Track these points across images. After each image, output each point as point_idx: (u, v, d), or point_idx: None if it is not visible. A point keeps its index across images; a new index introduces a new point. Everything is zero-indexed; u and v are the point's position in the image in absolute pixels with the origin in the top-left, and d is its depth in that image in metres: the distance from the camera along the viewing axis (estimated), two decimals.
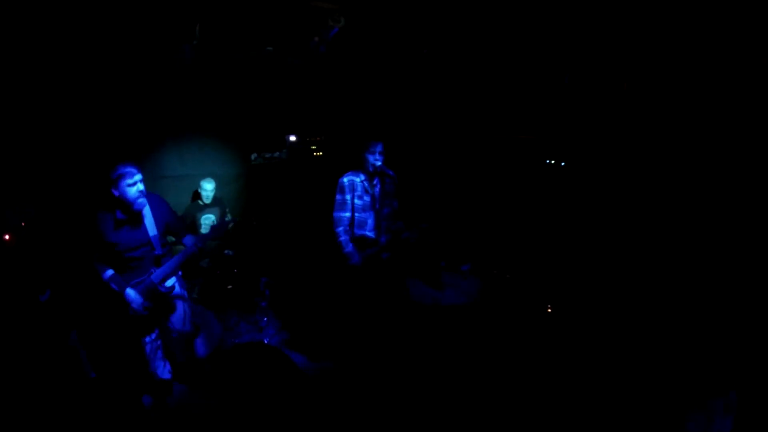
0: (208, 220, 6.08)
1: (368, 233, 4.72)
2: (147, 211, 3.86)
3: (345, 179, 4.70)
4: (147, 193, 3.82)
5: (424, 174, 7.22)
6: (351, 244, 4.65)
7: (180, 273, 4.26)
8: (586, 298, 5.62)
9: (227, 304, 5.86)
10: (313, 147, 7.77)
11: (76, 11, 4.70)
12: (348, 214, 4.68)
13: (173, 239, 4.38)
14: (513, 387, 4.38)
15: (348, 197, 4.67)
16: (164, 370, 4.21)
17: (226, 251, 5.98)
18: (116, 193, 3.67)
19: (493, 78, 6.72)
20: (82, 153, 5.55)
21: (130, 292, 3.80)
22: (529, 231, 6.85)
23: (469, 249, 6.96)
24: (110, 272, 3.81)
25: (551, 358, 4.81)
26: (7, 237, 4.61)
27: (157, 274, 3.92)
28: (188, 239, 4.06)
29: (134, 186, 3.67)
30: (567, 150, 6.82)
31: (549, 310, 5.67)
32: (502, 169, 7.37)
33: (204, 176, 6.11)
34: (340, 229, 4.68)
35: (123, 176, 3.64)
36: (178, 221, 4.16)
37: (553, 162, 6.95)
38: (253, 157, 7.33)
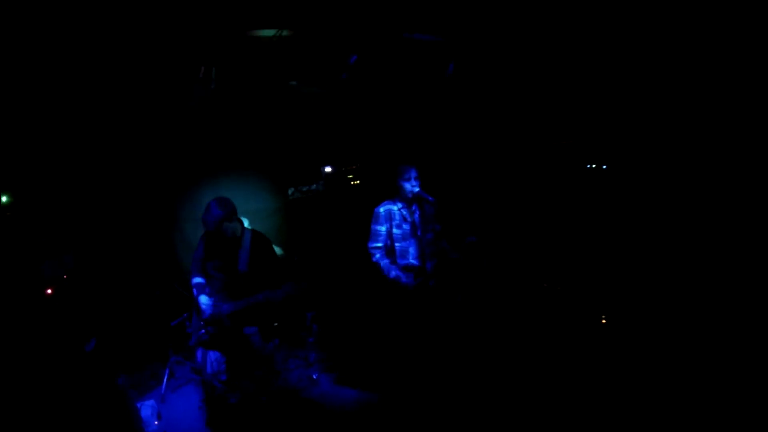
0: None
1: (412, 261, 4.56)
2: (246, 246, 4.20)
3: (381, 209, 4.57)
4: (255, 232, 4.33)
5: (463, 190, 7.07)
6: (394, 268, 4.50)
7: (256, 329, 4.42)
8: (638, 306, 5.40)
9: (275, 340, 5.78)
10: (350, 176, 7.72)
11: (114, 65, 4.85)
12: (381, 245, 4.55)
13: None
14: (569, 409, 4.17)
15: (384, 228, 4.53)
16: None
17: None
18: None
19: (524, 83, 6.58)
20: (118, 200, 5.66)
21: (203, 297, 4.14)
22: (574, 239, 6.60)
23: (516, 262, 6.74)
24: (200, 279, 4.24)
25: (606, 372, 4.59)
26: (49, 291, 4.69)
27: (227, 306, 4.12)
28: (287, 287, 4.19)
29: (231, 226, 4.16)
30: (608, 153, 6.59)
31: (603, 321, 5.41)
32: (543, 177, 7.16)
33: (240, 214, 6.12)
34: (377, 256, 4.54)
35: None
36: (275, 270, 4.36)
37: (594, 166, 6.71)
38: (290, 191, 7.32)
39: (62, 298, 4.83)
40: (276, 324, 5.83)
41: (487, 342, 5.44)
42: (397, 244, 4.53)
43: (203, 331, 4.16)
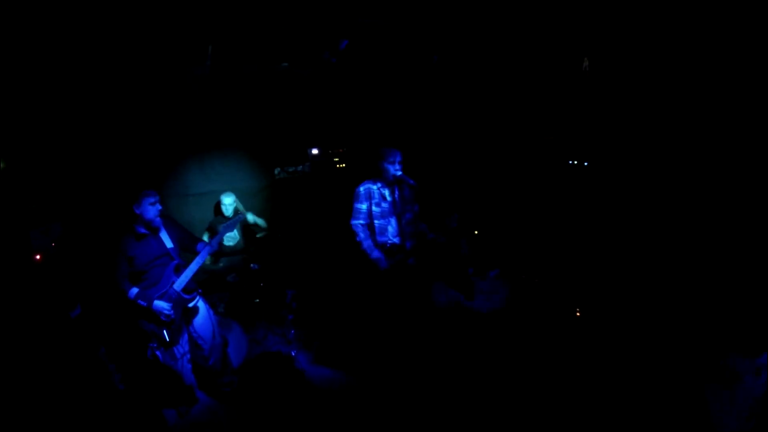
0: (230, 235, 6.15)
1: (393, 239, 4.70)
2: (162, 229, 4.31)
3: (361, 188, 4.72)
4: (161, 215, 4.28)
5: (447, 180, 7.19)
6: (377, 250, 4.64)
7: (201, 290, 4.54)
8: (612, 299, 5.53)
9: (255, 317, 5.88)
10: (336, 159, 7.80)
11: (104, 41, 4.87)
12: (364, 222, 4.69)
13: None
14: (540, 394, 4.31)
15: (364, 206, 4.68)
16: (190, 380, 4.45)
17: (252, 265, 6.01)
18: (137, 210, 4.13)
19: (510, 79, 6.69)
20: (107, 172, 5.69)
21: (158, 303, 4.11)
22: (555, 233, 6.75)
23: (497, 254, 6.89)
24: (135, 290, 4.13)
25: (578, 361, 4.73)
26: (37, 257, 4.77)
27: (178, 282, 4.24)
28: (200, 246, 4.46)
29: (154, 206, 4.15)
30: (590, 150, 6.73)
31: (578, 314, 5.58)
32: (525, 172, 7.30)
33: (227, 191, 6.18)
34: (361, 236, 4.68)
35: (146, 195, 4.12)
36: (190, 236, 4.57)
37: (575, 162, 6.86)
38: (276, 171, 7.38)
39: (50, 266, 4.89)
40: (257, 300, 5.95)
41: (465, 329, 5.58)
42: (376, 222, 4.68)
43: (165, 331, 4.23)
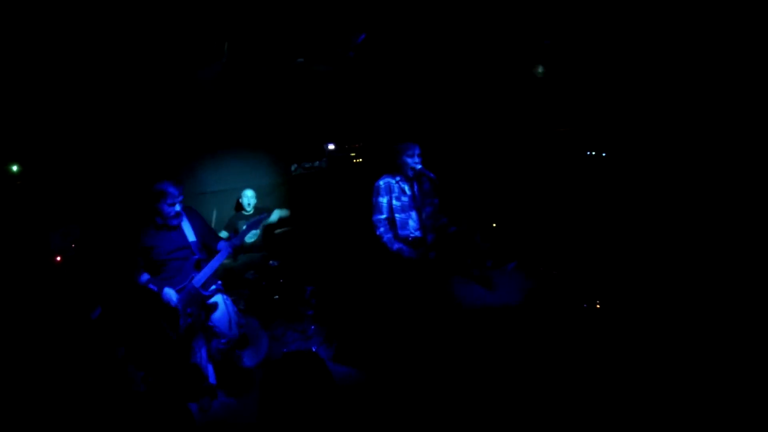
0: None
1: (414, 233, 4.68)
2: (185, 220, 4.22)
3: (381, 182, 4.70)
4: (185, 207, 4.18)
5: (464, 172, 7.13)
6: (397, 242, 4.62)
7: (220, 282, 4.50)
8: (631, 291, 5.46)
9: (274, 314, 5.88)
10: (353, 154, 7.77)
11: (120, 42, 4.89)
12: (385, 216, 4.67)
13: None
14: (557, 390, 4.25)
15: (385, 199, 4.66)
16: (210, 374, 4.44)
17: (271, 262, 6.02)
18: (156, 205, 4.03)
19: (528, 71, 6.62)
20: (124, 172, 5.72)
21: (168, 290, 4.06)
22: (573, 225, 6.67)
23: (514, 247, 6.82)
24: (146, 276, 4.12)
25: (596, 357, 4.66)
26: (58, 258, 4.81)
27: (198, 278, 4.17)
28: (222, 244, 4.33)
29: (173, 207, 4.04)
30: (608, 140, 6.64)
31: (597, 306, 5.50)
32: (543, 163, 7.21)
33: (244, 188, 6.21)
34: (381, 230, 4.67)
35: (165, 195, 3.99)
36: (212, 233, 4.50)
37: (593, 153, 6.77)
38: (293, 167, 7.38)
39: (70, 267, 4.94)
40: (276, 297, 5.96)
41: (484, 323, 5.53)
42: (397, 216, 4.66)
43: (183, 320, 4.20)
